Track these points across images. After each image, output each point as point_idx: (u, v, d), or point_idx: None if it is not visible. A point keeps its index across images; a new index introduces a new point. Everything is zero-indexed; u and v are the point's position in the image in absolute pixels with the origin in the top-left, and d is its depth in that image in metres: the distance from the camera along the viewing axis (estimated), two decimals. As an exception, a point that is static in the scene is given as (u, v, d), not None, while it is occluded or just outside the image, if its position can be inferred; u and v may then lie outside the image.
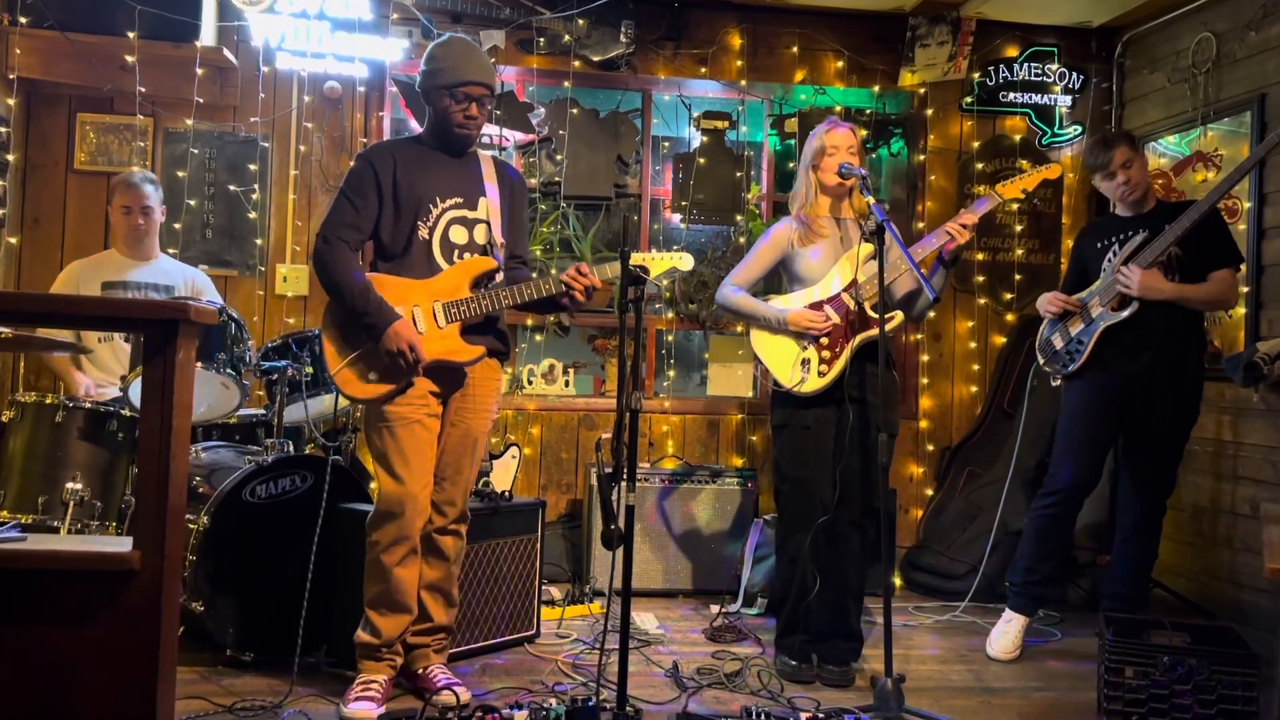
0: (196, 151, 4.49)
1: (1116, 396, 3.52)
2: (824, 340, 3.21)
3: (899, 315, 3.24)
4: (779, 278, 3.49)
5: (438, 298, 2.84)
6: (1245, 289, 4.06)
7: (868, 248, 3.20)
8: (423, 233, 2.89)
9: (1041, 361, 3.76)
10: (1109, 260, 3.58)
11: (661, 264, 2.95)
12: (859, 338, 3.20)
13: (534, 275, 3.02)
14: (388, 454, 2.83)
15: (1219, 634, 2.97)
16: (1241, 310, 4.09)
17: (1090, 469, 3.56)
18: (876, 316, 3.16)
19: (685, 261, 2.96)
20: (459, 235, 2.93)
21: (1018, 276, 4.97)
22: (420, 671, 2.96)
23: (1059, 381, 3.71)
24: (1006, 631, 3.60)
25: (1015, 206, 4.93)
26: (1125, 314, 3.46)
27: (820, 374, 3.20)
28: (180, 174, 4.43)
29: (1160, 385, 3.48)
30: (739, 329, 4.89)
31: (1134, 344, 3.48)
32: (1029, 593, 3.61)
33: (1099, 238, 3.68)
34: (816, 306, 3.25)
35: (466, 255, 2.92)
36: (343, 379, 2.82)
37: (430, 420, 2.87)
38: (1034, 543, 3.62)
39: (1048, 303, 3.64)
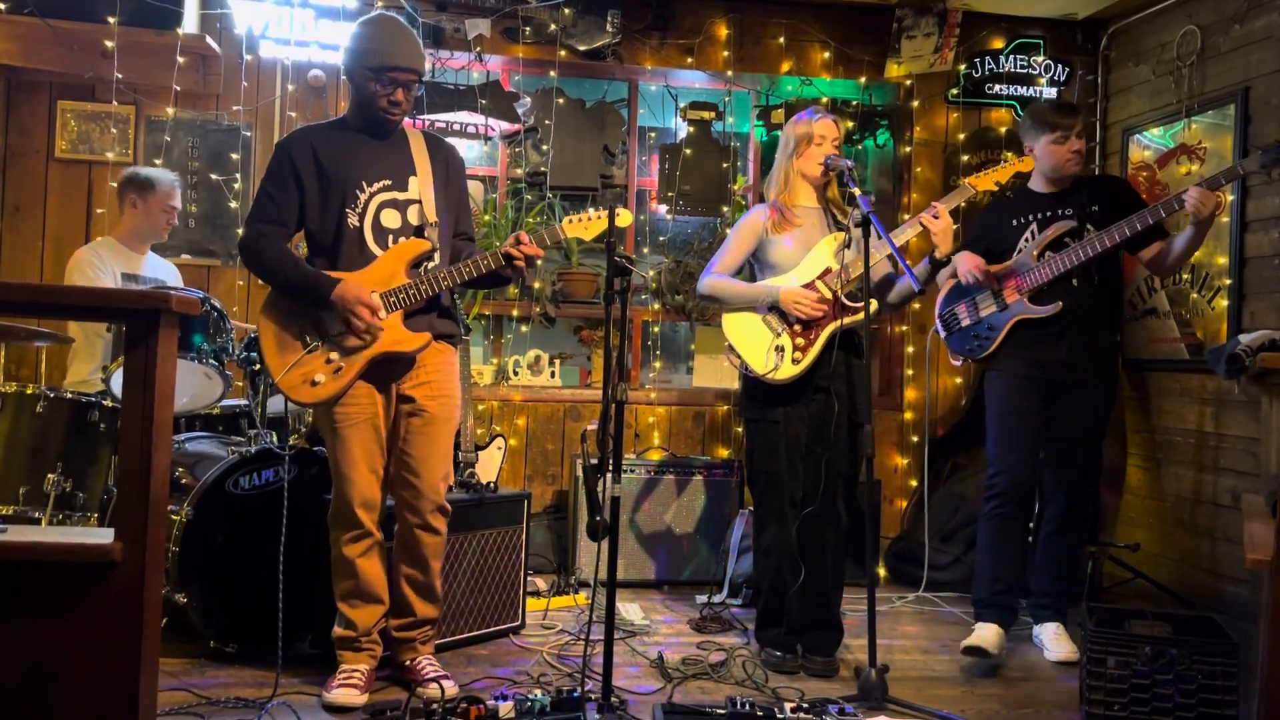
0: (179, 140, 4.46)
1: (1040, 386, 3.46)
2: (798, 327, 3.19)
3: (873, 304, 3.20)
4: (749, 267, 3.42)
5: (374, 288, 2.75)
6: (1228, 281, 4.09)
7: (840, 236, 3.20)
8: (352, 220, 2.80)
9: (942, 334, 3.68)
10: (1026, 241, 3.50)
11: (599, 224, 2.85)
12: (833, 325, 3.18)
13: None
14: (337, 454, 2.82)
15: (1200, 624, 2.99)
16: (1224, 302, 4.12)
17: (1027, 467, 3.45)
18: (851, 305, 3.16)
19: (622, 217, 2.81)
20: (391, 219, 2.83)
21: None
22: (408, 663, 2.95)
23: (959, 361, 3.64)
24: (984, 634, 3.34)
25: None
26: (1046, 311, 3.41)
27: (795, 361, 3.17)
28: (160, 162, 4.39)
29: (1081, 373, 3.46)
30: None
31: (1053, 333, 3.43)
32: (998, 603, 3.42)
33: (1015, 214, 3.58)
34: (809, 288, 3.21)
35: (401, 239, 2.83)
36: (288, 384, 2.76)
37: (380, 418, 2.84)
38: (990, 551, 3.46)
39: (971, 270, 3.44)
